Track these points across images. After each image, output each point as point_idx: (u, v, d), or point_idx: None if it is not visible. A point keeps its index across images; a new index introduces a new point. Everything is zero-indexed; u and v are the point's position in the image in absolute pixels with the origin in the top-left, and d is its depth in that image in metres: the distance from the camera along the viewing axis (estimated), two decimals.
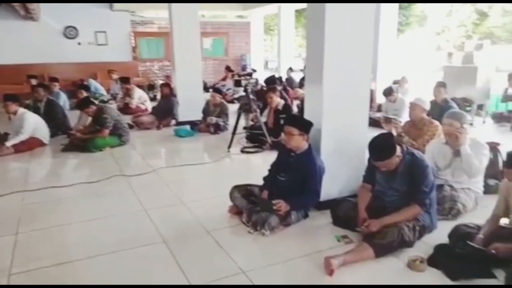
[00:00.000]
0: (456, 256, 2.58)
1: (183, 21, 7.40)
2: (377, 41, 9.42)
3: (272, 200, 3.21)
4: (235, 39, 15.39)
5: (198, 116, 7.32)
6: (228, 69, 12.82)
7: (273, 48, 26.80)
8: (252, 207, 3.29)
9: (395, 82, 9.15)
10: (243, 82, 5.92)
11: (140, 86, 10.54)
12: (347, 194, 3.62)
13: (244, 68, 14.71)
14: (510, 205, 2.73)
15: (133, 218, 3.55)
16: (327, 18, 3.31)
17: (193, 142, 6.58)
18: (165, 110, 7.69)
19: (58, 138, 6.59)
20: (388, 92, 7.34)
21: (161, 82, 10.52)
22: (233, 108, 8.12)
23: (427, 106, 4.56)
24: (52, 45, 11.99)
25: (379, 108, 7.99)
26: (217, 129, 6.95)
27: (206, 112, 7.19)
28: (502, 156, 3.84)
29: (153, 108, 8.32)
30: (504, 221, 2.84)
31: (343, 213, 3.23)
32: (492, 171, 3.83)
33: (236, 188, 3.51)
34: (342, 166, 3.64)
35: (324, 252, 2.79)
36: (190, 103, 7.55)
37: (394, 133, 4.43)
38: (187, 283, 2.52)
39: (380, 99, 8.04)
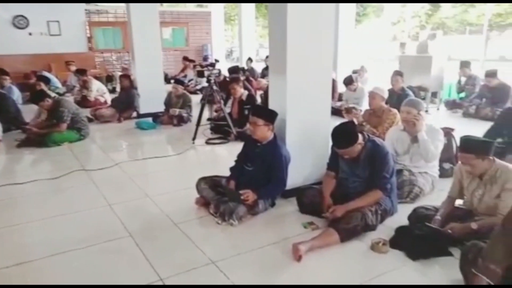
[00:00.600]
0: (415, 237, 2.72)
1: (141, 10, 7.19)
2: (336, 31, 9.60)
3: (239, 190, 3.24)
4: (196, 29, 15.17)
5: (160, 108, 7.19)
6: (186, 59, 12.60)
7: (234, 38, 26.65)
8: (220, 198, 3.30)
9: (354, 72, 9.38)
10: (206, 73, 5.87)
11: (97, 78, 10.19)
12: (312, 182, 3.71)
13: (205, 58, 14.52)
14: (464, 187, 2.90)
15: (97, 214, 3.46)
16: (289, 9, 3.34)
17: (156, 135, 6.47)
18: (125, 103, 7.49)
19: (12, 134, 6.28)
20: (348, 81, 7.53)
21: (120, 73, 10.21)
22: (196, 99, 8.04)
23: (386, 95, 4.72)
24: None
25: (340, 97, 8.17)
26: (181, 121, 6.87)
27: (168, 103, 7.07)
28: (456, 141, 4.05)
29: (113, 100, 8.07)
30: (459, 202, 3.02)
31: (309, 200, 3.31)
32: (447, 156, 4.04)
33: (203, 179, 3.50)
34: (306, 155, 3.71)
35: (291, 239, 2.85)
36: (151, 95, 7.40)
37: (356, 122, 4.56)
38: (156, 276, 2.50)
39: (341, 88, 8.23)
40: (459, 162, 2.87)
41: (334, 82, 8.28)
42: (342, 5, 9.62)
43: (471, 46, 20.60)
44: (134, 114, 7.55)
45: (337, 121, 3.29)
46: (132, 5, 7.14)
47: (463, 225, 2.67)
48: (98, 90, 8.89)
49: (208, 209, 3.34)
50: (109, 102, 8.39)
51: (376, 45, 24.84)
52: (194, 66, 11.13)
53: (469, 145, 2.67)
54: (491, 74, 7.17)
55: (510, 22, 22.09)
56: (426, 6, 23.99)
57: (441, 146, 3.67)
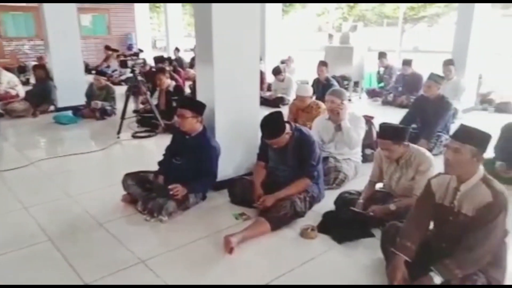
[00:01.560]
0: (341, 221, 2.86)
1: None
2: (263, 22, 9.68)
3: (168, 185, 3.14)
4: (118, 16, 14.41)
5: (81, 100, 6.74)
6: (108, 48, 11.95)
7: (160, 26, 25.77)
8: (148, 194, 3.18)
9: (282, 62, 9.55)
10: (130, 63, 5.59)
11: (8, 69, 9.25)
12: (243, 173, 3.71)
13: (130, 47, 13.90)
14: (383, 171, 3.09)
15: (12, 218, 3.16)
16: (214, 4, 3.28)
17: (77, 129, 6.07)
18: (41, 95, 6.90)
19: None
20: (276, 72, 7.65)
21: (34, 63, 9.37)
22: (120, 90, 7.64)
23: (311, 92, 4.83)
24: None
25: (269, 88, 8.29)
26: (104, 114, 6.50)
27: (89, 96, 6.64)
28: (376, 128, 4.30)
29: (27, 93, 7.37)
30: (379, 185, 3.21)
31: (239, 191, 3.31)
32: (368, 142, 4.28)
33: (129, 175, 3.34)
34: (237, 146, 3.70)
35: (223, 231, 2.83)
36: (71, 87, 6.90)
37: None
38: (80, 281, 2.35)
39: (270, 78, 8.34)
40: (378, 148, 3.04)
41: (262, 72, 8.39)
42: None
43: (388, 37, 22.05)
44: (52, 108, 7.00)
45: (266, 111, 3.32)
46: None
47: (383, 207, 2.85)
48: (9, 82, 8.02)
49: (136, 206, 3.21)
50: (22, 95, 7.64)
51: (303, 35, 25.57)
52: (118, 56, 10.58)
53: (386, 131, 2.84)
54: (407, 62, 7.73)
55: (422, 16, 23.91)
56: None
57: (363, 133, 3.87)
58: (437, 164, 2.86)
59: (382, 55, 8.58)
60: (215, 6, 3.29)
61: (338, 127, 3.80)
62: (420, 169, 2.81)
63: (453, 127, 4.93)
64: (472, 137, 2.00)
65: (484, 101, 7.20)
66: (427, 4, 22.59)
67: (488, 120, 6.18)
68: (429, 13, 23.45)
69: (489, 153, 3.92)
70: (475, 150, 1.99)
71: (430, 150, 4.23)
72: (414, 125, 4.89)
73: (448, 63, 6.68)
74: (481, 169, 2.07)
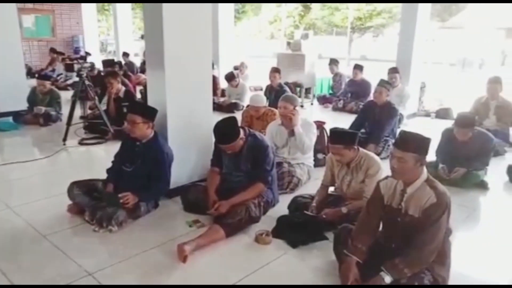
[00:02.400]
0: (294, 225, 2.89)
1: None
2: (216, 28, 9.68)
3: (119, 193, 3.02)
4: (64, 17, 13.76)
5: (22, 105, 6.35)
6: (53, 51, 11.39)
7: (110, 30, 24.97)
8: (96, 203, 3.04)
9: (235, 68, 9.58)
10: (76, 67, 5.35)
11: None
12: (197, 179, 3.66)
13: (77, 51, 13.33)
14: (335, 175, 3.17)
15: None
16: (164, 6, 3.22)
17: (19, 136, 5.70)
18: None
19: None
20: (230, 77, 7.65)
21: None
22: (66, 95, 7.30)
23: (264, 102, 4.84)
24: None
25: (223, 93, 8.27)
26: (48, 120, 6.16)
27: (32, 101, 6.28)
28: (327, 133, 4.41)
29: None
30: (331, 189, 3.29)
31: (193, 198, 3.26)
32: (320, 147, 4.38)
33: (76, 184, 3.18)
34: (190, 152, 3.65)
35: (177, 240, 2.77)
36: (11, 91, 6.46)
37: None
38: None
39: (223, 84, 8.33)
40: (330, 152, 3.12)
41: (216, 78, 8.36)
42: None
43: (338, 46, 22.84)
44: None
45: (220, 116, 3.29)
46: None
47: (335, 210, 2.92)
48: None
49: (83, 216, 3.05)
50: None
51: (256, 42, 25.84)
52: (63, 59, 10.11)
53: (337, 136, 2.92)
54: (358, 67, 7.98)
55: (368, 26, 25.04)
56: (299, 7, 25.75)
57: (315, 138, 3.96)
58: (385, 167, 2.98)
59: (333, 61, 8.82)
60: (165, 6, 3.22)
61: (291, 133, 3.86)
62: (369, 172, 2.92)
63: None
64: (413, 145, 2.10)
65: (427, 107, 7.64)
66: (373, 15, 23.70)
67: (430, 125, 6.54)
68: (375, 24, 24.62)
69: (431, 156, 4.16)
70: (417, 156, 2.09)
71: (378, 154, 4.42)
72: (363, 130, 5.09)
73: (393, 71, 7.02)
74: (425, 171, 2.18)
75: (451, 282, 2.27)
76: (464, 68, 18.36)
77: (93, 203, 3.05)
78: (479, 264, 2.66)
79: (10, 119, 6.14)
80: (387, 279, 2.06)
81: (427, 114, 7.39)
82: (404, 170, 2.12)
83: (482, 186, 3.92)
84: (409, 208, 2.17)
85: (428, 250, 2.07)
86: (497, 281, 2.46)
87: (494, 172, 4.15)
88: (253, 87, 9.97)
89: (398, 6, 8.47)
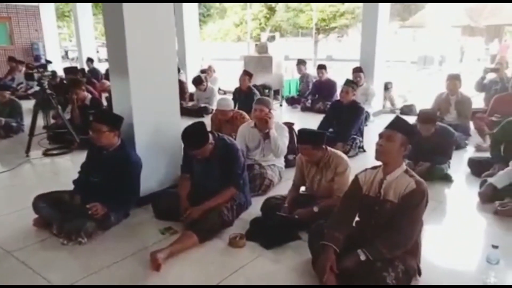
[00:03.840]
0: (268, 227, 2.90)
1: None
2: (182, 32, 9.60)
3: (86, 204, 2.94)
4: (22, 25, 13.28)
5: None
6: (12, 60, 10.97)
7: (72, 36, 24.28)
8: (63, 216, 2.94)
9: (203, 72, 9.53)
10: (36, 76, 5.16)
11: None
12: (168, 186, 3.62)
13: (37, 58, 12.89)
14: (305, 175, 3.21)
15: None
16: (125, 9, 3.16)
17: None
18: None
19: None
20: (197, 81, 7.61)
21: None
22: (28, 105, 7.03)
23: (232, 105, 4.83)
24: None
25: (191, 97, 8.21)
26: (9, 131, 5.94)
27: None
28: (296, 134, 4.46)
29: None
30: (302, 189, 3.33)
31: (165, 205, 3.21)
32: (290, 147, 4.41)
33: (41, 197, 3.07)
34: (159, 158, 3.60)
35: (150, 248, 2.72)
36: None
37: None
38: None
39: (191, 88, 8.27)
40: (299, 152, 3.16)
41: (183, 82, 8.29)
42: (185, 5, 9.65)
43: (304, 47, 23.17)
44: None
45: (190, 121, 3.25)
46: None
47: (307, 209, 2.95)
48: None
49: (51, 229, 2.95)
50: None
51: (222, 45, 25.81)
52: (28, 67, 9.76)
53: (305, 137, 2.97)
54: (322, 67, 8.14)
55: (332, 26, 25.53)
56: (264, 9, 25.95)
57: (287, 141, 3.99)
58: (353, 165, 3.06)
59: (301, 62, 8.90)
60: (126, 6, 3.16)
61: (266, 135, 3.88)
62: (338, 170, 2.97)
63: (366, 130, 5.33)
64: (403, 127, 2.25)
65: (391, 103, 7.87)
66: (337, 16, 24.20)
67: None
68: (339, 24, 25.13)
69: None
70: (404, 139, 2.21)
71: (346, 152, 4.51)
72: (331, 129, 5.18)
73: (357, 70, 7.19)
74: (404, 163, 2.30)
75: (422, 272, 2.35)
76: (425, 65, 19.06)
77: (60, 216, 2.96)
78: (448, 253, 2.75)
79: None
80: (362, 257, 2.14)
81: (392, 111, 7.61)
82: (390, 151, 2.22)
83: (446, 179, 4.08)
84: (388, 194, 2.25)
85: (408, 234, 2.17)
86: (465, 270, 2.56)
87: (456, 165, 4.33)
88: (223, 91, 9.96)
89: (360, 6, 8.67)
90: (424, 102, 6.49)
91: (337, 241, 2.28)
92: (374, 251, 2.14)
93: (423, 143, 4.10)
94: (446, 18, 23.18)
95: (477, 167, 4.18)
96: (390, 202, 2.25)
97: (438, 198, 3.68)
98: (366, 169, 2.42)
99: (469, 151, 5.03)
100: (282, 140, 3.87)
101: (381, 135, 2.29)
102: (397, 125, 2.26)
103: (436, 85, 7.77)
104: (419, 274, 2.35)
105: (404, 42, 23.72)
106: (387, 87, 7.79)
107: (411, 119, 5.17)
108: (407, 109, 7.46)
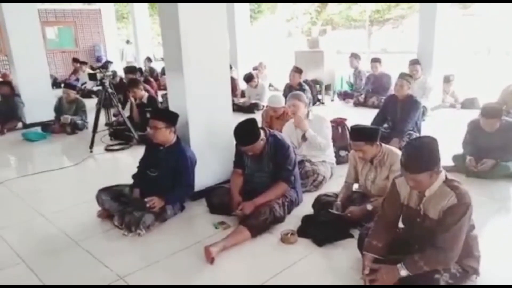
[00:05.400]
0: (320, 224, 2.88)
1: (16, 8, 6.47)
2: (233, 29, 9.71)
3: (145, 197, 3.09)
4: (85, 28, 14.13)
5: (50, 116, 6.58)
6: (76, 61, 11.72)
7: (129, 37, 25.42)
8: (124, 208, 3.12)
9: (254, 68, 9.60)
10: (99, 75, 5.49)
11: None
12: (220, 181, 3.69)
13: (99, 59, 13.66)
14: (358, 172, 3.14)
15: None
16: (180, 9, 3.26)
17: (48, 146, 5.89)
18: (7, 113, 6.67)
19: None
20: (248, 78, 7.68)
21: None
22: (91, 103, 7.49)
23: (283, 102, 4.81)
24: None
25: (243, 94, 8.31)
26: (75, 128, 6.36)
27: (59, 110, 6.49)
28: (349, 130, 4.37)
29: None
30: (355, 186, 3.26)
31: (218, 200, 3.29)
32: (342, 144, 4.35)
33: (103, 190, 3.26)
34: (212, 154, 3.69)
35: (203, 242, 2.80)
36: (38, 102, 6.72)
37: None
38: None
39: (242, 85, 8.36)
40: (352, 149, 3.09)
41: (235, 79, 8.40)
42: (236, 3, 9.75)
43: (357, 40, 22.53)
44: (20, 124, 6.78)
45: (241, 117, 3.31)
46: (4, 4, 6.38)
47: (360, 207, 2.90)
48: None
49: (113, 221, 3.13)
50: None
51: (273, 41, 25.79)
52: (90, 68, 10.43)
53: (358, 133, 2.89)
54: (376, 60, 7.89)
55: (387, 18, 24.59)
56: (316, 3, 25.53)
57: (330, 133, 3.92)
58: None
59: (354, 55, 8.68)
60: (181, 7, 3.26)
61: (304, 137, 3.86)
62: (393, 168, 2.87)
63: (423, 125, 5.09)
64: (421, 165, 2.00)
65: (453, 97, 7.43)
66: (392, 7, 23.28)
67: (456, 116, 6.38)
68: (394, 15, 24.15)
69: (459, 149, 4.07)
70: (430, 172, 2.02)
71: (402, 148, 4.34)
72: (385, 125, 5.01)
73: (414, 62, 6.88)
74: (443, 171, 2.11)
75: (481, 273, 2.24)
76: (490, 55, 17.81)
77: (121, 208, 3.14)
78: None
79: (39, 129, 6.36)
80: (403, 272, 2.05)
81: (453, 106, 7.21)
82: (423, 185, 2.07)
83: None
84: (428, 210, 2.12)
85: (450, 253, 2.01)
86: None
87: None
88: (274, 88, 9.97)
89: None
90: (489, 95, 6.08)
91: (376, 249, 2.21)
92: (415, 267, 2.03)
93: (487, 139, 3.86)
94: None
95: None
96: (430, 219, 2.11)
97: (502, 198, 3.46)
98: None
99: None
100: (323, 133, 3.82)
101: (405, 177, 2.10)
102: (414, 168, 2.00)
103: (502, 77, 7.23)
104: (478, 274, 2.23)
105: (469, 31, 22.26)
106: (448, 79, 7.37)
107: (474, 113, 4.90)
108: (469, 103, 7.02)
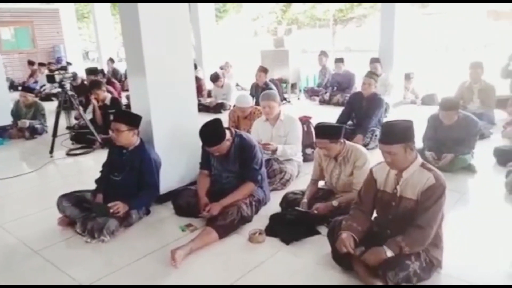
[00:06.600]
0: (287, 222, 2.89)
1: None
2: (198, 29, 9.63)
3: (108, 202, 3.00)
4: (43, 28, 13.60)
5: (6, 120, 6.28)
6: (31, 63, 11.28)
7: (91, 37, 24.72)
8: (86, 215, 3.01)
9: (220, 68, 9.55)
10: (58, 77, 5.28)
11: None
12: (187, 183, 3.64)
13: (59, 60, 13.18)
14: (323, 169, 3.18)
15: None
16: (140, 9, 3.19)
17: (5, 151, 5.64)
18: None
19: None
20: (214, 78, 7.62)
21: None
22: (51, 106, 7.21)
23: (251, 102, 4.85)
24: None
25: (209, 94, 8.25)
26: (34, 132, 6.12)
27: (16, 114, 6.23)
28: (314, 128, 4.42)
29: None
30: (321, 183, 3.30)
31: (184, 202, 3.24)
32: (308, 142, 4.39)
33: (64, 196, 3.14)
34: (178, 156, 3.63)
35: (170, 245, 2.75)
36: None
37: None
38: None
39: (209, 85, 8.30)
40: (317, 146, 3.13)
41: (200, 79, 8.33)
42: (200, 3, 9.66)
43: (322, 39, 22.89)
44: None
45: (208, 117, 3.25)
46: None
47: (325, 204, 2.93)
48: None
49: (75, 228, 3.02)
50: None
51: (239, 41, 25.77)
52: (49, 70, 10.01)
53: (322, 131, 2.93)
54: (339, 60, 8.08)
55: (350, 17, 25.13)
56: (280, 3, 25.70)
57: (300, 134, 3.97)
58: (373, 158, 3.00)
59: (323, 53, 8.80)
60: (141, 6, 3.18)
61: (275, 127, 3.91)
62: (357, 164, 2.93)
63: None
64: (396, 136, 2.15)
65: (413, 94, 7.67)
66: (355, 6, 23.80)
67: (416, 112, 6.59)
68: (356, 14, 24.71)
69: (419, 143, 4.19)
70: (404, 144, 2.15)
71: (366, 145, 4.46)
72: (350, 122, 5.11)
73: (374, 61, 7.06)
74: (419, 156, 2.24)
75: (444, 265, 2.31)
76: (448, 52, 18.55)
77: (83, 215, 3.03)
78: (472, 246, 2.69)
79: None
80: (389, 253, 2.10)
81: (413, 102, 7.44)
82: (398, 161, 2.18)
83: (470, 169, 3.97)
84: (406, 192, 2.22)
85: (430, 230, 2.12)
86: (489, 262, 2.49)
87: (481, 155, 4.20)
88: (241, 87, 9.96)
89: None
90: (446, 91, 6.32)
91: (355, 231, 2.26)
92: (395, 248, 2.11)
93: (446, 132, 4.01)
94: (470, 4, 22.43)
95: (503, 156, 4.05)
96: (409, 200, 2.21)
97: (461, 190, 3.59)
98: (380, 162, 2.38)
99: (494, 140, 4.87)
100: (294, 135, 3.87)
101: (381, 151, 2.24)
102: (389, 138, 2.16)
103: (459, 73, 7.53)
104: (441, 267, 2.31)
105: (428, 30, 23.07)
106: (409, 76, 7.61)
107: (433, 109, 5.08)
108: (429, 99, 7.28)
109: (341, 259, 2.37)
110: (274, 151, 3.78)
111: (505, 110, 5.53)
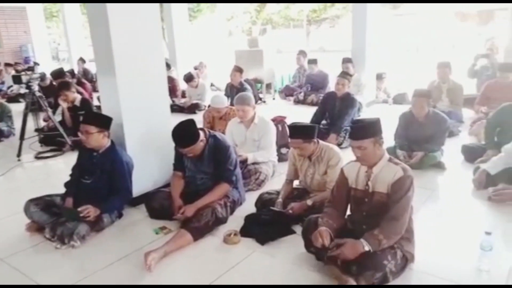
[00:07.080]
0: (262, 223, 2.89)
1: None
2: (171, 29, 9.51)
3: (79, 206, 2.92)
4: (9, 27, 13.13)
5: None
6: None
7: (61, 37, 24.05)
8: (55, 220, 2.92)
9: (195, 68, 9.47)
10: (24, 78, 5.10)
11: None
12: (161, 185, 3.59)
13: (27, 60, 12.77)
14: (298, 169, 3.19)
15: None
16: (109, 9, 3.11)
17: None
18: None
19: None
20: (188, 78, 7.55)
21: None
22: (19, 108, 6.96)
23: (226, 102, 4.84)
24: None
25: (183, 95, 8.16)
26: (0, 135, 5.90)
27: None
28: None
29: None
30: (296, 183, 3.31)
31: (158, 204, 3.19)
32: (283, 141, 4.41)
33: (32, 201, 3.02)
34: (151, 158, 3.57)
35: (144, 249, 2.70)
36: None
37: None
38: None
39: (183, 85, 8.21)
40: (291, 146, 3.14)
41: (174, 79, 8.23)
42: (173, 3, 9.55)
43: (296, 39, 23.08)
44: None
45: (182, 118, 3.18)
46: None
47: (300, 203, 2.95)
48: None
49: (43, 234, 2.92)
50: None
51: (213, 40, 25.65)
52: (16, 70, 9.67)
53: (296, 131, 2.95)
54: (313, 61, 8.17)
55: (324, 17, 25.44)
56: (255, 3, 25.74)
57: (274, 137, 3.98)
58: (346, 156, 3.03)
59: (302, 52, 8.87)
60: (110, 7, 3.11)
61: (249, 129, 3.91)
62: (330, 163, 2.96)
63: None
64: (365, 131, 2.25)
65: (385, 93, 7.83)
66: (328, 7, 24.09)
67: (388, 111, 6.73)
68: (330, 15, 25.04)
69: (390, 141, 4.28)
70: (373, 139, 2.23)
71: (339, 144, 4.51)
72: (324, 122, 5.17)
73: (346, 61, 7.17)
74: (386, 152, 2.34)
75: (416, 261, 2.37)
76: (418, 52, 19.04)
77: (52, 220, 2.93)
78: (442, 241, 2.76)
79: None
80: (367, 247, 2.13)
81: (385, 101, 7.60)
82: (368, 156, 2.26)
83: (439, 166, 4.08)
84: (376, 186, 2.28)
85: (403, 220, 2.20)
86: (458, 257, 2.56)
87: (450, 152, 4.32)
88: (216, 87, 9.90)
89: None
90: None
91: (330, 225, 2.30)
92: (376, 242, 2.14)
93: (416, 129, 4.12)
94: (441, 6, 23.12)
95: (471, 154, 4.18)
96: (380, 194, 2.28)
97: (431, 186, 3.68)
98: (350, 161, 2.45)
99: (462, 138, 5.03)
100: (267, 139, 3.88)
101: (352, 147, 2.32)
102: (359, 134, 2.25)
103: (429, 73, 7.74)
104: (413, 261, 2.36)
105: (399, 30, 23.62)
106: (380, 76, 7.77)
107: (404, 107, 5.20)
108: (400, 98, 7.44)
109: (314, 251, 2.42)
110: (245, 161, 3.77)
111: (472, 109, 5.74)
